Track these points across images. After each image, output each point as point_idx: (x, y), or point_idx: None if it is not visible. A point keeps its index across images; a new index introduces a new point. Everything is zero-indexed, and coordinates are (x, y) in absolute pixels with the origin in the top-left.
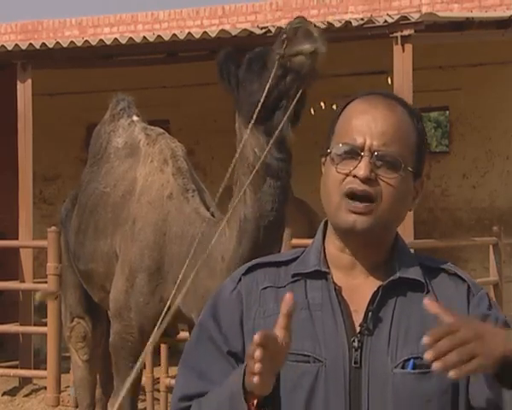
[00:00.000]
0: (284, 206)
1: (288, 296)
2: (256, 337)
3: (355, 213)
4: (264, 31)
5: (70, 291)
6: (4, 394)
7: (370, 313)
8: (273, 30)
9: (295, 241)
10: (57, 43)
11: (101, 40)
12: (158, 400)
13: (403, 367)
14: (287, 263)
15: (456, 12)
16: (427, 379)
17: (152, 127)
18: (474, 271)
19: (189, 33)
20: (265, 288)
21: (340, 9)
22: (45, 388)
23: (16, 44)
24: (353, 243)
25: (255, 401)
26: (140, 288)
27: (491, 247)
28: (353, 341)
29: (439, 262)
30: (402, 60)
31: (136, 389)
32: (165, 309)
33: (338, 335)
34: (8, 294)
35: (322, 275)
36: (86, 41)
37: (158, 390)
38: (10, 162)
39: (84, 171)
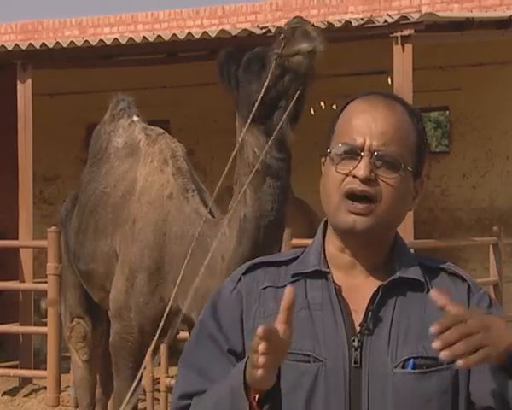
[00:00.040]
0: (284, 205)
1: (288, 290)
2: (259, 330)
3: (355, 213)
4: (264, 31)
5: (70, 291)
6: (4, 394)
7: (370, 313)
8: (273, 30)
9: (295, 241)
10: (57, 43)
11: (101, 40)
12: (158, 400)
13: (403, 367)
14: (287, 263)
15: (456, 12)
16: (427, 379)
17: (152, 127)
18: (474, 271)
19: (189, 33)
20: (265, 287)
21: (340, 9)
22: (45, 388)
23: (16, 44)
24: (353, 243)
25: (256, 397)
26: (140, 288)
27: (491, 247)
28: (353, 340)
29: (438, 262)
30: (402, 60)
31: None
32: (167, 311)
33: (338, 334)
34: (8, 294)
35: (322, 275)
36: (86, 41)
37: (158, 390)
38: (10, 162)
39: (84, 171)
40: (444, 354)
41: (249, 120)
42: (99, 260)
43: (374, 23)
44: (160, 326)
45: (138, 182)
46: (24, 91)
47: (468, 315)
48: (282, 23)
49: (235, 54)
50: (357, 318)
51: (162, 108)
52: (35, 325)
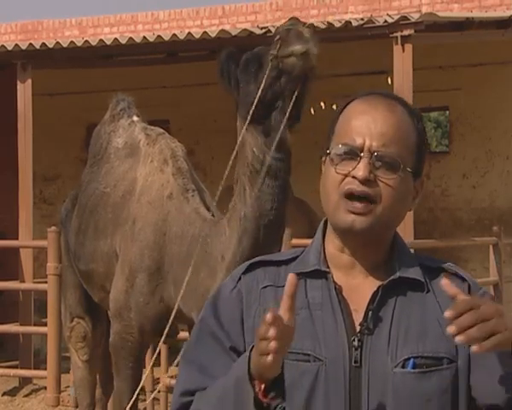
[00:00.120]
0: (284, 205)
1: (291, 277)
2: (268, 317)
3: (354, 213)
4: (264, 31)
5: (70, 291)
6: (4, 394)
7: (370, 313)
8: (273, 30)
9: (295, 241)
10: (57, 43)
11: (101, 40)
12: (158, 400)
13: (403, 367)
14: (287, 262)
15: (456, 12)
16: (427, 379)
17: (152, 127)
18: (474, 271)
19: (189, 33)
20: (265, 287)
21: (340, 9)
22: (45, 388)
23: (16, 44)
24: (352, 242)
25: (262, 386)
26: (140, 288)
27: (491, 247)
28: (353, 340)
29: (438, 262)
30: (402, 60)
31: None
32: (172, 315)
33: (338, 334)
34: (8, 294)
35: (322, 274)
36: (86, 41)
37: (158, 390)
38: (10, 162)
39: (84, 171)
40: (459, 339)
41: (248, 121)
42: (99, 260)
43: (374, 23)
44: (166, 329)
45: (138, 182)
46: (24, 91)
47: (481, 301)
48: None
49: (235, 54)
50: (358, 317)
51: (162, 108)
52: (35, 325)
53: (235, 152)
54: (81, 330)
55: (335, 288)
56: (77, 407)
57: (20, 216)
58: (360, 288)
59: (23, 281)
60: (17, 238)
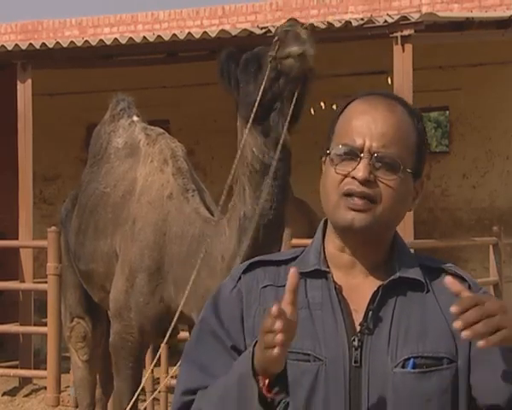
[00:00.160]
0: (283, 205)
1: (292, 271)
2: (274, 309)
3: (354, 210)
4: (264, 31)
5: (70, 291)
6: (4, 394)
7: (370, 313)
8: (273, 30)
9: (295, 241)
10: (57, 43)
11: (101, 40)
12: (158, 400)
13: (403, 367)
14: (286, 262)
15: (456, 12)
16: (427, 379)
17: (152, 127)
18: (474, 271)
19: (189, 33)
20: (265, 286)
21: (340, 9)
22: (45, 388)
23: (16, 44)
24: (352, 241)
25: (266, 381)
26: (140, 288)
27: (491, 247)
28: (353, 340)
29: (438, 262)
30: (402, 60)
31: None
32: (176, 317)
33: (338, 334)
34: (8, 294)
35: (322, 274)
36: (86, 41)
37: (158, 391)
38: (10, 162)
39: (84, 171)
40: (465, 334)
41: (250, 121)
42: (99, 260)
43: (374, 23)
44: (169, 331)
45: (138, 182)
46: (24, 91)
47: (485, 298)
48: None
49: (235, 54)
50: (358, 317)
51: (162, 108)
52: (35, 325)
53: (238, 154)
54: (81, 330)
55: (335, 288)
56: (77, 407)
57: (20, 216)
58: (360, 288)
59: (23, 281)
60: (17, 238)
